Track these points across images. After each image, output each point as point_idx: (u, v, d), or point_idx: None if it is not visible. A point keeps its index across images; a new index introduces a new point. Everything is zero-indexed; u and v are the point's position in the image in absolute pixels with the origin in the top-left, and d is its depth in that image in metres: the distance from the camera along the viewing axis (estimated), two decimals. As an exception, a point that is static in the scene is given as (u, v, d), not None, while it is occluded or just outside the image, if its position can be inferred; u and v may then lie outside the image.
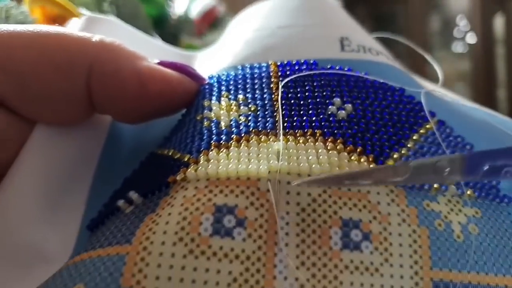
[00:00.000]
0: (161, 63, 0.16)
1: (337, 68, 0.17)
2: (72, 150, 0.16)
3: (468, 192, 0.15)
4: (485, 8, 1.77)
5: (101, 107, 0.15)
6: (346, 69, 0.17)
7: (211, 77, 0.17)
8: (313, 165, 0.13)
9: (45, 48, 0.14)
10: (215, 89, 0.16)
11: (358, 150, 0.14)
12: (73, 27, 0.18)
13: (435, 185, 0.14)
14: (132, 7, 0.40)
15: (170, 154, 0.15)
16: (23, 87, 0.14)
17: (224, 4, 0.63)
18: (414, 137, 0.15)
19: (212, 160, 0.14)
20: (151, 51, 0.17)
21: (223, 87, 0.16)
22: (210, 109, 0.15)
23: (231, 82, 0.16)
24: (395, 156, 0.15)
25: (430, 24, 1.98)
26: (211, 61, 0.19)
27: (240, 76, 0.17)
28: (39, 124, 0.15)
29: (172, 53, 0.21)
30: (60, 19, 0.34)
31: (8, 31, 0.14)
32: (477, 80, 1.80)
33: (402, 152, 0.15)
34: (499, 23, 1.85)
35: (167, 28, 0.47)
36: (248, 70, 0.17)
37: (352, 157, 0.14)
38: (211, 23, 0.57)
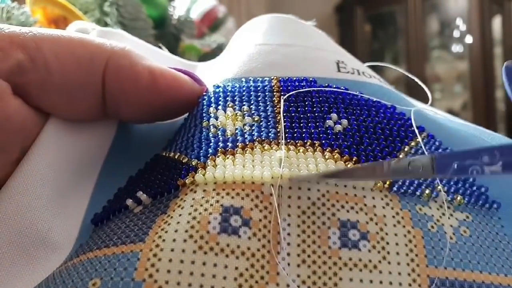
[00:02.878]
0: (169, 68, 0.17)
1: (334, 86, 0.18)
2: (81, 146, 0.17)
3: (458, 198, 0.16)
4: (483, 9, 1.78)
5: (113, 102, 0.16)
6: (342, 88, 0.18)
7: (217, 86, 0.18)
8: (312, 172, 0.15)
9: (69, 44, 0.15)
10: (221, 98, 0.17)
11: (354, 159, 0.16)
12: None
13: (427, 191, 0.16)
14: (133, 8, 0.40)
15: (176, 157, 0.16)
16: (47, 77, 0.15)
17: (224, 4, 0.63)
18: (405, 149, 0.17)
19: (219, 165, 0.15)
20: (157, 59, 0.18)
21: (228, 98, 0.17)
22: (216, 118, 0.17)
23: (236, 93, 0.18)
24: None
25: (429, 25, 1.98)
26: (212, 70, 0.21)
27: (244, 88, 0.18)
28: (52, 118, 0.16)
29: (175, 61, 0.23)
30: (61, 20, 0.34)
31: (37, 30, 0.15)
32: (475, 81, 1.81)
33: None
34: (497, 24, 1.86)
35: (167, 29, 0.47)
36: (252, 83, 0.18)
37: (348, 166, 0.15)
38: (211, 24, 0.58)
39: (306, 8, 2.05)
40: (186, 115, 0.18)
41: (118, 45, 0.16)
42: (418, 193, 0.15)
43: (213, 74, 0.20)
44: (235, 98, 0.17)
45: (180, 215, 0.14)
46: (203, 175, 0.14)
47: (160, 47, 0.24)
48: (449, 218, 0.15)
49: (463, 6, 1.85)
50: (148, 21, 0.42)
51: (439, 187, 0.16)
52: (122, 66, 0.16)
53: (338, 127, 0.16)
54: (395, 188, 0.15)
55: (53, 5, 0.34)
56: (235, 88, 0.18)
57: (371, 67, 0.22)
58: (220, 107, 0.17)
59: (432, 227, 0.15)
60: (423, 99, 0.21)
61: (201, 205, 0.14)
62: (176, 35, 0.49)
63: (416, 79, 0.22)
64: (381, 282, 0.13)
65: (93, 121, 0.17)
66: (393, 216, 0.15)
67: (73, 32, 0.16)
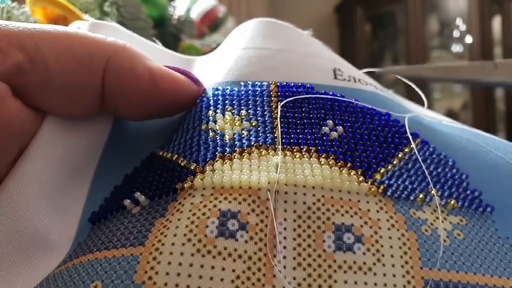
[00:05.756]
0: (167, 67, 0.17)
1: (330, 93, 0.18)
2: (77, 144, 0.17)
3: (452, 202, 0.16)
4: (483, 9, 1.78)
5: (112, 101, 0.16)
6: (338, 95, 0.18)
7: (216, 89, 0.18)
8: (308, 177, 0.15)
9: (68, 43, 0.15)
10: (220, 102, 0.18)
11: (348, 165, 0.16)
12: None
13: (421, 196, 0.16)
14: (133, 8, 0.40)
15: (174, 159, 0.16)
16: (47, 78, 0.15)
17: (224, 4, 0.63)
18: (399, 155, 0.17)
19: (217, 170, 0.15)
20: (153, 54, 0.18)
21: (227, 101, 0.18)
22: (215, 121, 0.17)
23: (235, 97, 0.18)
24: (381, 170, 0.16)
25: (429, 25, 1.98)
26: (210, 67, 0.21)
27: (243, 92, 0.18)
28: (49, 116, 0.16)
29: (173, 57, 0.23)
30: (61, 20, 0.34)
31: (35, 28, 0.15)
32: (475, 81, 1.81)
33: (388, 167, 0.16)
34: (497, 24, 1.86)
35: (167, 29, 0.47)
36: (250, 87, 0.18)
37: (343, 171, 0.16)
38: (211, 24, 0.58)
39: (306, 8, 2.05)
40: (183, 113, 0.18)
41: (118, 43, 0.16)
42: (412, 197, 0.16)
43: (211, 73, 0.20)
44: (233, 102, 0.18)
45: (179, 219, 0.14)
46: (202, 180, 0.15)
47: (154, 41, 0.24)
48: (442, 221, 0.15)
49: (463, 6, 1.85)
50: (148, 21, 0.42)
51: (433, 191, 0.16)
52: (123, 68, 0.16)
53: (334, 134, 0.17)
54: (389, 193, 0.16)
55: (53, 5, 0.34)
56: (234, 92, 0.18)
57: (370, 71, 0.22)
58: (219, 110, 0.17)
59: (426, 230, 0.15)
60: (423, 99, 0.21)
61: (199, 210, 0.14)
62: (176, 35, 0.49)
63: (411, 83, 0.23)
64: (375, 284, 0.14)
65: (90, 117, 0.17)
66: (387, 220, 0.15)
67: (71, 28, 0.16)
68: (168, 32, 0.48)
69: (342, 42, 2.08)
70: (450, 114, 1.93)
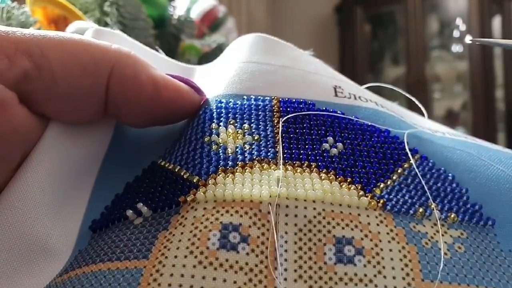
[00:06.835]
0: (169, 75, 0.18)
1: (331, 110, 0.19)
2: (79, 150, 0.17)
3: (452, 216, 0.16)
4: (483, 9, 1.78)
5: (115, 108, 0.16)
6: (339, 112, 0.19)
7: (219, 102, 0.19)
8: (309, 191, 0.15)
9: (74, 50, 0.15)
10: (223, 115, 0.18)
11: (348, 180, 0.16)
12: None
13: (420, 210, 0.16)
14: (133, 8, 0.40)
15: (176, 170, 0.16)
16: (53, 85, 0.15)
17: (224, 4, 0.63)
18: (399, 171, 0.17)
19: (219, 184, 0.15)
20: (155, 63, 0.18)
21: (230, 115, 0.18)
22: (218, 134, 0.17)
23: (238, 111, 0.18)
24: (381, 185, 0.17)
25: (429, 25, 1.98)
26: (210, 77, 0.21)
27: (245, 106, 0.18)
28: (52, 123, 0.16)
29: (174, 65, 0.23)
30: (61, 20, 0.34)
31: (42, 35, 0.15)
32: (475, 81, 1.81)
33: (388, 182, 0.17)
34: (497, 24, 1.86)
35: (167, 29, 0.47)
36: (253, 101, 0.19)
37: (343, 186, 0.16)
38: (211, 24, 0.58)
39: (306, 8, 2.05)
40: (185, 121, 0.19)
41: (123, 51, 0.16)
42: (411, 211, 0.16)
43: (211, 83, 0.20)
44: (236, 115, 0.18)
45: (181, 233, 0.14)
46: (204, 193, 0.15)
47: (157, 50, 0.24)
48: (443, 235, 0.16)
49: (463, 6, 1.86)
50: (148, 21, 0.42)
51: (433, 205, 0.16)
52: (127, 75, 0.16)
53: (334, 151, 0.17)
54: (388, 207, 0.16)
55: (53, 5, 0.34)
56: (237, 105, 0.18)
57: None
58: (221, 123, 0.17)
59: (426, 243, 0.15)
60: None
61: (201, 223, 0.14)
62: (176, 35, 0.49)
63: (413, 98, 0.23)
64: None
65: (92, 123, 0.17)
66: (387, 233, 0.15)
67: (76, 35, 0.16)
68: (168, 32, 0.48)
69: (342, 42, 2.08)
70: (450, 114, 1.93)
